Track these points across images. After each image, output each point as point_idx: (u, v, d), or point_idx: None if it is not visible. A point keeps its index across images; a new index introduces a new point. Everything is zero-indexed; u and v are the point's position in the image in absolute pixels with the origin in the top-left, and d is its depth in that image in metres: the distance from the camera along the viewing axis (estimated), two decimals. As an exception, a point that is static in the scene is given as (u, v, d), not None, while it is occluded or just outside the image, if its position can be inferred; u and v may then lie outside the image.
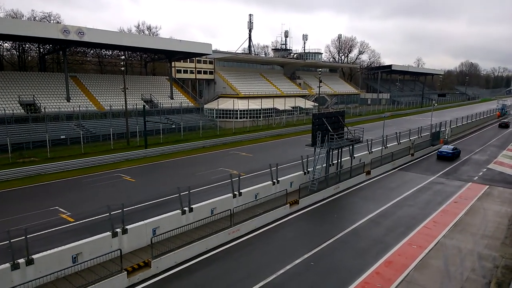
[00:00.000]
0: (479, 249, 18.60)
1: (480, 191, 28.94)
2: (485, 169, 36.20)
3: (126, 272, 14.94)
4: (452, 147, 42.21)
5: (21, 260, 13.91)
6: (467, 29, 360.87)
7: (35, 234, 18.77)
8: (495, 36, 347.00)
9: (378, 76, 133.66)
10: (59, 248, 15.13)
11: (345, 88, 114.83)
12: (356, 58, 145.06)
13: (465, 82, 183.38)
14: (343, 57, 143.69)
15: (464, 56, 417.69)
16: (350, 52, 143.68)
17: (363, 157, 34.77)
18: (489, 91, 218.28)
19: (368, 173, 32.44)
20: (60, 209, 23.62)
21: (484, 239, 19.83)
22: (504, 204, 25.86)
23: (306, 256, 17.77)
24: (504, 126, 69.65)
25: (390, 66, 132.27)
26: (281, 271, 16.29)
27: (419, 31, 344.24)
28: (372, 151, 36.65)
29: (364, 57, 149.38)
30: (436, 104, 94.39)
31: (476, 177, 33.12)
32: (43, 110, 46.88)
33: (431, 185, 30.46)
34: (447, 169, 36.03)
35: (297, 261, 17.22)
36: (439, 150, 42.20)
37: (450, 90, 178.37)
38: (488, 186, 30.19)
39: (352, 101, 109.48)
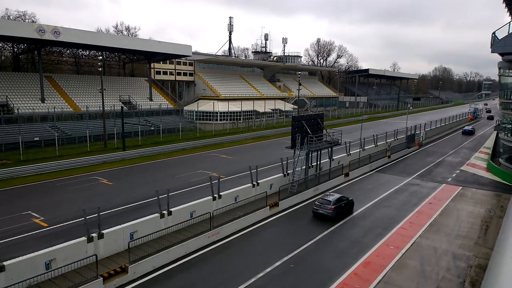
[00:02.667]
0: (453, 249, 19.13)
1: (453, 192, 29.80)
2: (458, 171, 37.31)
3: (102, 278, 14.57)
4: (471, 127, 68.75)
5: (-9, 268, 13.38)
6: (442, 35, 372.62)
7: (6, 240, 18.19)
8: (468, 42, 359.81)
9: (356, 80, 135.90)
10: (32, 254, 14.62)
11: (324, 91, 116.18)
12: (335, 62, 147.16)
13: (438, 86, 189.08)
14: (321, 60, 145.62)
15: (438, 61, 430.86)
16: (328, 55, 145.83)
17: (341, 159, 35.24)
18: (461, 95, 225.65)
19: (347, 175, 32.87)
20: (33, 213, 22.85)
21: (458, 239, 20.40)
22: (477, 205, 26.71)
23: (286, 258, 17.82)
24: (491, 118, 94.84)
25: (367, 70, 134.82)
26: (261, 274, 16.26)
27: (395, 36, 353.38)
28: (350, 153, 37.20)
29: (342, 61, 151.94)
30: (411, 108, 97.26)
31: (450, 179, 34.09)
32: (16, 111, 45.32)
33: (407, 187, 31.16)
34: (422, 170, 36.94)
35: (277, 264, 17.24)
36: (464, 128, 68.10)
37: (424, 94, 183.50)
38: (461, 188, 31.12)
39: (331, 104, 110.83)
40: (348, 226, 22.19)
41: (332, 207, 22.54)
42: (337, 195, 23.95)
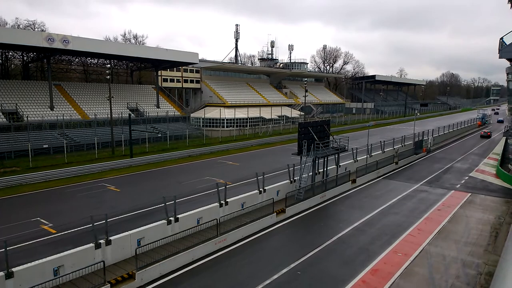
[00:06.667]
0: (462, 257, 18.88)
1: (462, 198, 29.47)
2: (467, 177, 36.92)
3: (109, 284, 14.63)
4: (502, 118, 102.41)
5: (0, 273, 13.51)
6: (450, 41, 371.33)
7: (15, 246, 18.27)
8: (476, 48, 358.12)
9: (362, 86, 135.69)
10: (40, 261, 14.71)
11: (331, 97, 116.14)
12: (341, 68, 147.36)
13: (446, 92, 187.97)
14: (328, 67, 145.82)
15: (446, 67, 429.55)
16: (335, 62, 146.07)
17: (348, 166, 35.09)
18: (469, 101, 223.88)
19: (354, 181, 32.70)
20: (42, 220, 23.05)
21: (468, 246, 20.14)
22: (486, 211, 26.37)
23: (293, 265, 17.73)
24: (501, 122, 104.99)
25: (374, 76, 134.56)
26: (268, 281, 16.19)
27: (403, 42, 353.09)
28: (357, 160, 37.03)
29: (349, 67, 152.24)
30: (418, 114, 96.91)
31: (459, 185, 33.74)
32: (25, 118, 45.96)
33: (415, 193, 30.89)
34: (430, 177, 36.62)
35: (284, 271, 17.15)
36: (498, 119, 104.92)
37: (432, 100, 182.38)
38: (470, 194, 30.77)
39: (337, 110, 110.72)
40: (356, 233, 22.04)
41: (489, 133, 69.19)
42: (489, 130, 70.53)
